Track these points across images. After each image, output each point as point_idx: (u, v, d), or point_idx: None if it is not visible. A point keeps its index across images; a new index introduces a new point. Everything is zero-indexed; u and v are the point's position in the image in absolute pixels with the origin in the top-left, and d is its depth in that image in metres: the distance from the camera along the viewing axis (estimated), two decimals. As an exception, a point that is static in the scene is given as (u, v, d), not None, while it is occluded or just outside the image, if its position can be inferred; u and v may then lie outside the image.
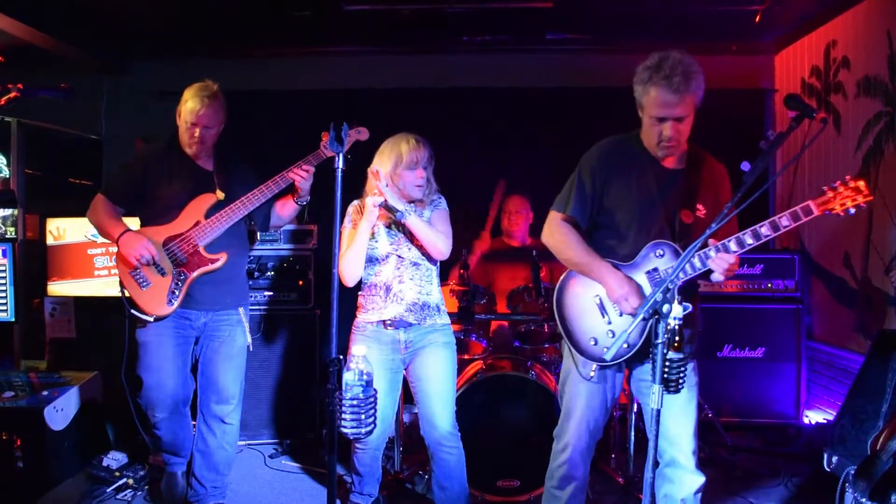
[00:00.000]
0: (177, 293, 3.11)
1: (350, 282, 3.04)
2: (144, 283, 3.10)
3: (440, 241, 3.01)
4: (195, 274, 3.13)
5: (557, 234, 2.65)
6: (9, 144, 4.36)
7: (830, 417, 4.24)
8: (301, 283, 4.39)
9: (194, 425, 3.36)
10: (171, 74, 5.33)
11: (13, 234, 4.29)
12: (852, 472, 3.07)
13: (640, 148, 2.60)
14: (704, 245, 2.35)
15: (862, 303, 4.23)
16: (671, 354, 1.97)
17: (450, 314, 3.93)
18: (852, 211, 2.31)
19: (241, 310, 3.35)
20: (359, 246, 3.00)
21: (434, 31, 5.01)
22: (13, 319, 3.93)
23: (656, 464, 2.35)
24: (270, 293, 4.36)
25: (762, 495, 3.62)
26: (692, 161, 2.61)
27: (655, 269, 2.51)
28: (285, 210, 3.36)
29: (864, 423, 3.36)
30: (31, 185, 4.48)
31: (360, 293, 3.17)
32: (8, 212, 4.30)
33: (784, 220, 2.32)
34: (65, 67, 5.09)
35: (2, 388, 3.57)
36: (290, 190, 3.24)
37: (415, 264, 3.07)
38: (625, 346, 2.51)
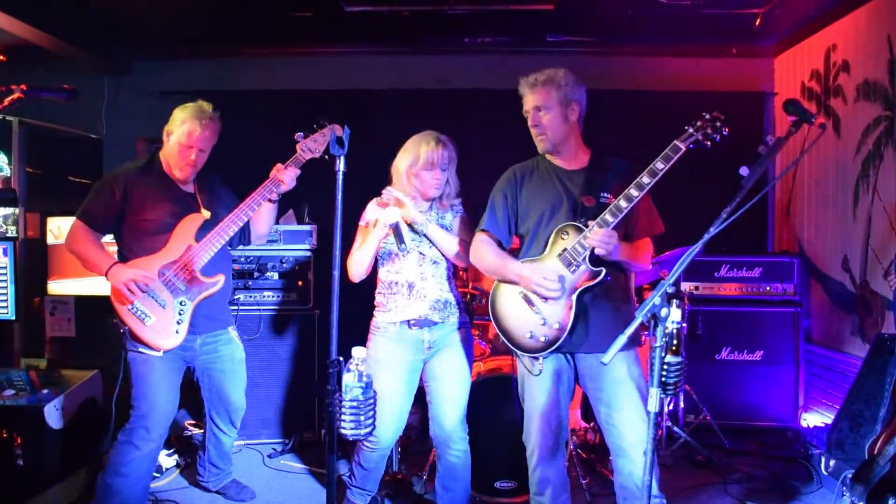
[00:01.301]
0: (181, 323, 3.03)
1: (355, 279, 3.06)
2: (146, 318, 2.98)
3: (458, 250, 3.04)
4: (197, 300, 3.07)
5: (475, 249, 2.89)
6: (10, 143, 4.36)
7: (828, 421, 4.24)
8: (301, 283, 4.40)
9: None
10: (172, 75, 5.35)
11: (14, 232, 4.29)
12: (850, 475, 3.09)
13: (544, 162, 2.89)
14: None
15: (860, 307, 4.24)
16: (669, 358, 1.98)
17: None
18: (717, 138, 2.54)
19: (230, 329, 3.40)
20: (367, 252, 3.00)
21: (435, 32, 5.02)
22: (13, 318, 3.94)
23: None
24: (270, 293, 4.37)
25: (759, 499, 3.63)
26: (594, 160, 2.84)
27: (564, 250, 2.66)
28: (262, 220, 3.32)
29: (861, 427, 3.37)
30: (32, 184, 4.49)
31: (378, 291, 3.15)
32: (9, 210, 4.30)
33: (658, 164, 2.54)
34: (66, 67, 5.09)
35: (2, 387, 3.57)
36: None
37: (434, 262, 3.06)
38: (556, 326, 2.66)
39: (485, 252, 2.84)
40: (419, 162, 2.99)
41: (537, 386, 2.76)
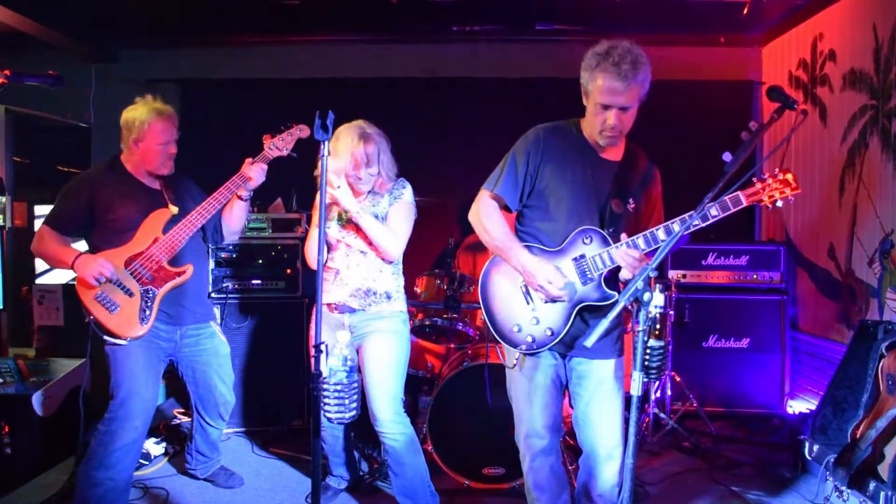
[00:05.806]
0: (148, 312, 3.02)
1: (311, 264, 3.09)
2: (113, 307, 2.98)
3: (389, 243, 3.03)
4: (164, 289, 3.07)
5: (481, 214, 2.60)
6: (-3, 132, 4.35)
7: (814, 407, 4.29)
8: (289, 271, 4.39)
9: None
10: (159, 63, 5.33)
11: (1, 221, 4.28)
12: (832, 460, 3.12)
13: (578, 135, 2.57)
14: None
15: (845, 294, 4.27)
16: (652, 342, 1.98)
17: (436, 303, 3.96)
18: (780, 204, 2.29)
19: (212, 323, 3.41)
20: (312, 238, 3.14)
21: (424, 20, 5.01)
22: (1, 307, 3.94)
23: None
24: (258, 282, 4.36)
25: (745, 484, 3.66)
26: (628, 156, 2.59)
27: (583, 256, 2.47)
28: (234, 216, 3.33)
29: (844, 412, 3.41)
30: (19, 173, 4.47)
31: None
32: (-4, 199, 4.30)
33: (713, 210, 2.29)
34: (53, 55, 5.07)
35: (-10, 376, 3.58)
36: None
37: (362, 252, 3.09)
38: (548, 332, 2.51)
39: (493, 223, 2.57)
40: (350, 161, 2.99)
41: (530, 383, 2.59)
